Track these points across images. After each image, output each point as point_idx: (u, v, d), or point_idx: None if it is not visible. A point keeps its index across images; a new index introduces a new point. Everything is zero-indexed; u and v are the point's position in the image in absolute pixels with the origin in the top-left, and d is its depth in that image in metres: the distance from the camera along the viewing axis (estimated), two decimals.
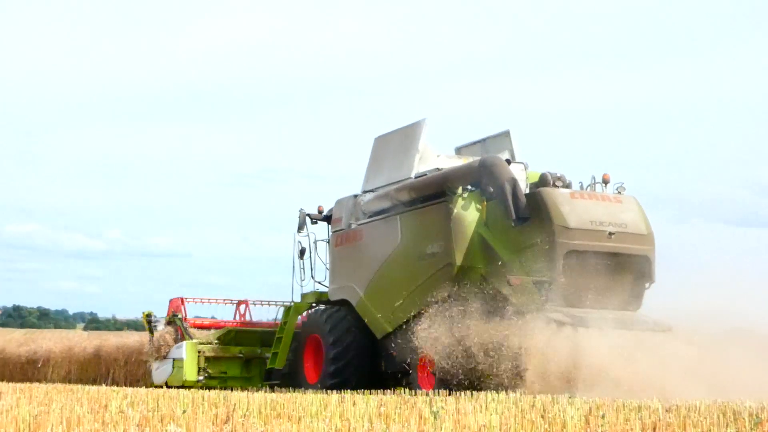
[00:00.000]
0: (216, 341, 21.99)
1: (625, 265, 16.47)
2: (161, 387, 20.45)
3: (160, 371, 22.18)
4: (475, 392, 13.70)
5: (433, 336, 16.38)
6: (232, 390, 17.47)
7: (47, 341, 33.79)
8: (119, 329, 60.50)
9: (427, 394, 13.73)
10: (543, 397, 12.38)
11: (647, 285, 16.83)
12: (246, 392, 15.34)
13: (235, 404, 11.58)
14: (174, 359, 21.82)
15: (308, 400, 12.24)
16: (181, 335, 22.13)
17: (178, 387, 20.07)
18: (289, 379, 20.08)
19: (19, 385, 19.65)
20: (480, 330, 15.82)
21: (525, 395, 12.76)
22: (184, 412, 10.39)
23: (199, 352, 21.65)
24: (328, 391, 15.40)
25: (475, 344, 15.74)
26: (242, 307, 23.14)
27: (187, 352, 21.52)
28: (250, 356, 22.14)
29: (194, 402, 12.11)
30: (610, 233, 16.34)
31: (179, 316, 22.31)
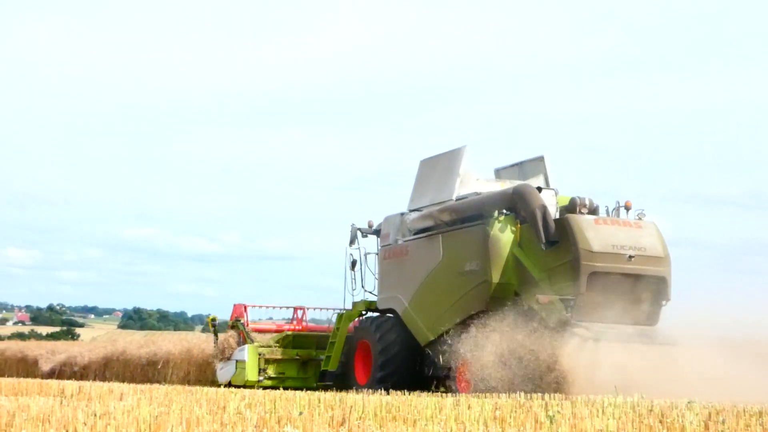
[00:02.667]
0: (275, 344, 23.74)
1: (643, 285, 18.04)
2: (225, 386, 22.14)
3: (224, 371, 23.98)
4: (590, 396, 13.56)
5: (470, 345, 18.10)
6: (338, 391, 18.33)
7: (167, 343, 34.42)
8: None
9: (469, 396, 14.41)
10: (661, 401, 12.30)
11: (664, 303, 18.37)
12: (361, 394, 15.36)
13: (351, 406, 11.58)
14: (237, 361, 23.55)
15: (423, 403, 12.18)
16: (243, 339, 23.90)
17: (240, 386, 21.75)
18: (341, 380, 21.75)
19: (139, 386, 19.98)
20: (512, 341, 17.40)
21: (642, 400, 12.57)
22: (301, 413, 10.47)
23: (259, 354, 23.35)
24: (444, 395, 15.38)
25: (507, 353, 17.32)
26: (299, 312, 24.77)
27: (248, 355, 23.25)
28: (306, 358, 23.85)
29: (310, 404, 12.23)
30: (630, 256, 17.93)
31: (241, 321, 24.05)
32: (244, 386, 21.78)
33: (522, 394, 14.13)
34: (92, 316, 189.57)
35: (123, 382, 26.36)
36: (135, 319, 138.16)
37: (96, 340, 57.23)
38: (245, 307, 24.28)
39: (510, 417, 10.26)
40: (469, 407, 11.48)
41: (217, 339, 24.64)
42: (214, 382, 24.20)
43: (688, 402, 12.42)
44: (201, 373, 29.42)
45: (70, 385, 18.36)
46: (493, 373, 17.45)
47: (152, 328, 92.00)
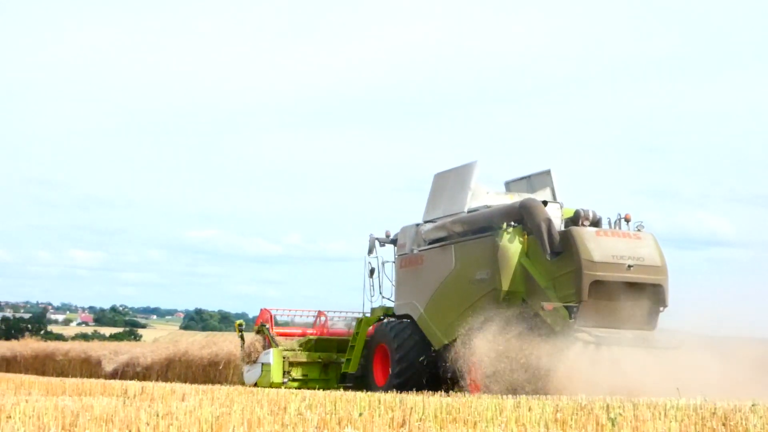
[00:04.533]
0: (298, 348, 24.88)
1: (642, 292, 19.27)
2: (251, 387, 23.12)
3: (250, 373, 25.22)
4: (652, 398, 13.51)
5: (480, 348, 19.19)
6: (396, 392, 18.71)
7: (228, 344, 35.01)
8: None
9: (475, 396, 15.11)
10: (724, 404, 12.24)
11: (662, 309, 19.59)
12: (422, 396, 15.35)
13: (411, 408, 11.63)
14: (263, 363, 24.73)
15: (484, 404, 12.21)
16: (268, 342, 25.07)
17: (265, 387, 22.51)
18: (360, 381, 23.00)
19: (201, 386, 20.20)
20: (519, 345, 18.55)
21: (706, 402, 12.51)
22: (361, 414, 10.56)
23: (284, 357, 24.51)
24: (504, 396, 15.35)
25: (515, 357, 18.45)
26: (321, 317, 25.83)
27: (273, 358, 24.42)
28: (328, 361, 24.93)
29: (371, 405, 12.25)
30: (629, 266, 19.17)
31: (267, 326, 25.20)
32: (270, 387, 22.69)
33: (584, 396, 14.06)
34: (154, 317, 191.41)
35: (185, 382, 26.68)
36: (197, 320, 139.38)
37: (158, 340, 57.67)
38: (270, 313, 25.49)
39: (571, 419, 10.20)
40: (529, 409, 11.43)
41: (243, 343, 25.85)
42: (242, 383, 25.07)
43: (752, 405, 12.25)
44: None
45: (133, 385, 18.56)
46: (501, 375, 18.52)
47: (214, 329, 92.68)
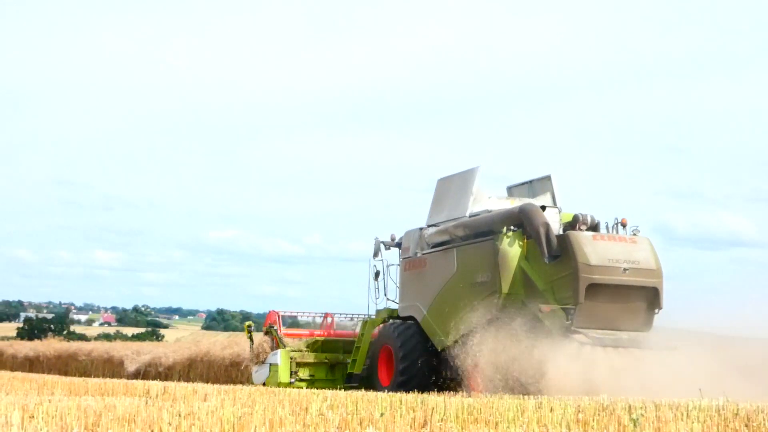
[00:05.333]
0: (305, 349, 25.41)
1: (637, 295, 19.73)
2: (259, 386, 23.36)
3: (259, 373, 25.66)
4: (675, 399, 13.46)
5: (480, 349, 19.73)
6: (420, 393, 18.74)
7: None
8: None
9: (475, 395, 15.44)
10: (746, 405, 12.18)
11: (656, 311, 20.02)
12: (443, 396, 15.34)
13: (432, 408, 11.63)
14: (271, 364, 25.19)
15: (505, 405, 12.18)
16: (276, 344, 25.54)
17: (274, 386, 22.97)
18: (366, 381, 23.45)
19: (223, 386, 20.20)
20: (518, 346, 18.99)
21: (728, 403, 12.41)
22: (382, 415, 10.58)
23: (291, 358, 24.99)
24: (525, 397, 15.38)
25: (513, 357, 18.91)
26: (328, 319, 26.44)
27: (281, 358, 24.88)
28: (334, 362, 25.45)
29: (392, 405, 12.27)
30: (624, 269, 19.62)
31: (275, 327, 25.63)
32: (278, 386, 23.09)
33: (605, 396, 14.03)
34: (176, 317, 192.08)
35: (207, 382, 26.78)
36: (218, 320, 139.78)
37: (180, 341, 57.88)
38: (278, 314, 25.93)
39: (593, 420, 10.19)
40: (551, 410, 11.41)
41: (252, 344, 26.30)
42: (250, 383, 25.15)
43: None
44: None
45: (155, 385, 18.62)
46: (501, 374, 19.03)
47: (235, 329, 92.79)
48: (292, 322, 27.06)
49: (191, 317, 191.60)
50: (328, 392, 17.71)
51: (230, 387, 19.71)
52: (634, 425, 9.61)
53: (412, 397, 14.49)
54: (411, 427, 9.67)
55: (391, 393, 16.86)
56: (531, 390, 17.71)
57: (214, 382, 27.10)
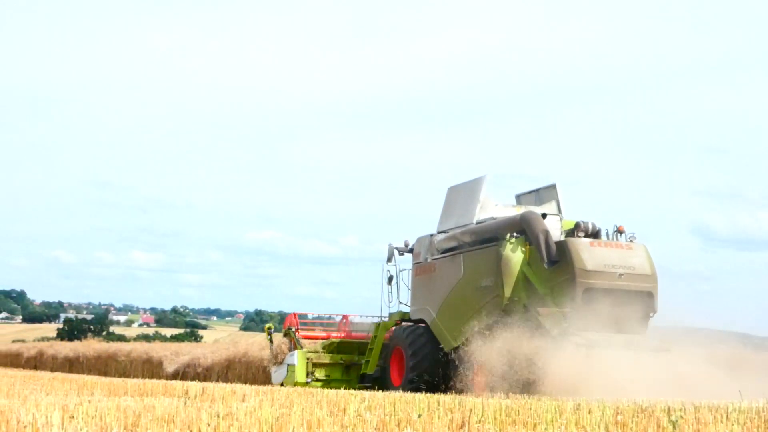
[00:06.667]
0: (322, 350, 26.33)
1: (632, 299, 20.48)
2: (280, 386, 24.31)
3: (278, 374, 26.74)
4: (714, 401, 13.38)
5: (484, 351, 20.48)
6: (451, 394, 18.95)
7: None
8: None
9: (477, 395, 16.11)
10: None
11: (651, 315, 20.88)
12: (481, 398, 15.33)
13: (470, 409, 11.60)
14: (288, 364, 26.20)
15: (543, 407, 12.14)
16: (294, 345, 26.59)
17: (292, 386, 24.00)
18: (379, 382, 24.21)
19: (261, 387, 20.25)
20: (519, 348, 19.77)
21: None
22: (420, 416, 10.59)
23: (307, 359, 25.92)
24: (561, 399, 15.21)
25: (514, 358, 19.68)
26: (344, 321, 27.44)
27: (298, 359, 25.83)
28: (349, 363, 26.34)
29: (429, 407, 12.27)
30: (620, 274, 20.51)
31: (293, 329, 26.83)
32: (295, 386, 24.09)
33: (644, 398, 13.94)
34: (215, 318, 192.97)
35: (245, 383, 26.91)
36: (257, 321, 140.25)
37: (218, 341, 58.14)
38: (296, 316, 27.17)
39: (631, 422, 10.14)
40: (589, 411, 11.35)
41: (272, 345, 27.43)
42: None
43: None
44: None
45: (194, 386, 18.67)
46: (503, 375, 19.78)
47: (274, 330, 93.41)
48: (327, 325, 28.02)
49: (229, 318, 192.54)
50: (366, 393, 17.70)
51: (268, 388, 19.81)
52: (674, 427, 9.55)
53: (449, 398, 14.48)
54: (449, 428, 9.67)
55: (429, 394, 16.85)
56: (530, 390, 18.32)
57: (252, 383, 27.24)
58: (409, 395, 16.28)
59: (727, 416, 10.67)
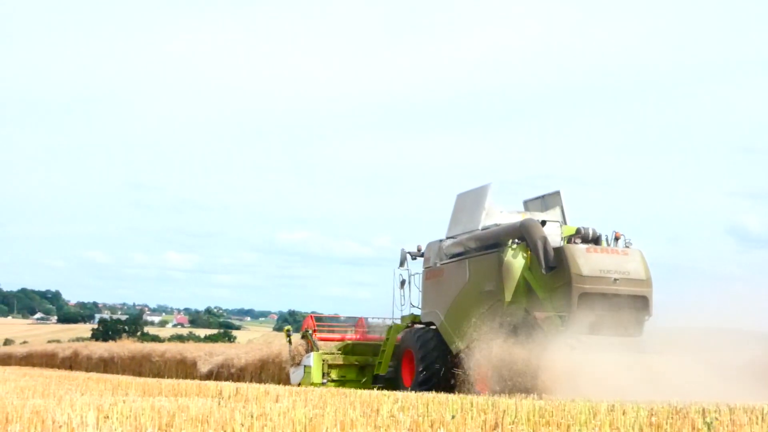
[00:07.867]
0: (337, 351, 27.19)
1: (627, 303, 21.21)
2: (297, 386, 24.90)
3: (295, 374, 27.55)
4: (749, 403, 13.39)
5: (486, 352, 21.27)
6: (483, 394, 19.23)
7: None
8: None
9: (479, 394, 16.59)
10: None
11: (646, 318, 21.56)
12: (514, 399, 15.37)
13: (504, 411, 11.66)
14: (305, 366, 27.03)
15: (577, 408, 12.14)
16: (310, 346, 27.40)
17: (308, 386, 24.57)
18: (391, 382, 25.14)
19: (294, 388, 20.55)
20: (518, 350, 20.55)
21: None
22: (453, 417, 10.64)
23: (323, 360, 26.76)
24: (597, 400, 15.08)
25: (514, 361, 20.41)
26: (360, 323, 28.26)
27: (314, 360, 26.66)
28: (364, 364, 27.10)
29: (463, 408, 12.35)
30: (615, 279, 21.22)
31: (310, 331, 27.58)
32: (311, 385, 24.78)
33: (677, 399, 13.87)
34: (248, 318, 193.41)
35: (278, 383, 27.04)
36: (290, 322, 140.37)
37: (252, 342, 58.17)
38: (313, 319, 28.00)
39: (666, 423, 10.11)
40: (624, 413, 11.32)
41: (290, 347, 28.25)
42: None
43: None
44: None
45: (228, 386, 18.76)
46: (503, 377, 20.47)
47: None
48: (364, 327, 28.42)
49: (263, 319, 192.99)
50: (399, 394, 17.71)
51: (302, 388, 19.79)
52: (708, 429, 9.54)
53: (483, 400, 14.43)
54: (482, 429, 9.68)
55: (462, 395, 16.91)
56: (530, 391, 18.87)
57: (285, 384, 27.34)
58: (443, 396, 16.30)
59: (762, 418, 10.62)
